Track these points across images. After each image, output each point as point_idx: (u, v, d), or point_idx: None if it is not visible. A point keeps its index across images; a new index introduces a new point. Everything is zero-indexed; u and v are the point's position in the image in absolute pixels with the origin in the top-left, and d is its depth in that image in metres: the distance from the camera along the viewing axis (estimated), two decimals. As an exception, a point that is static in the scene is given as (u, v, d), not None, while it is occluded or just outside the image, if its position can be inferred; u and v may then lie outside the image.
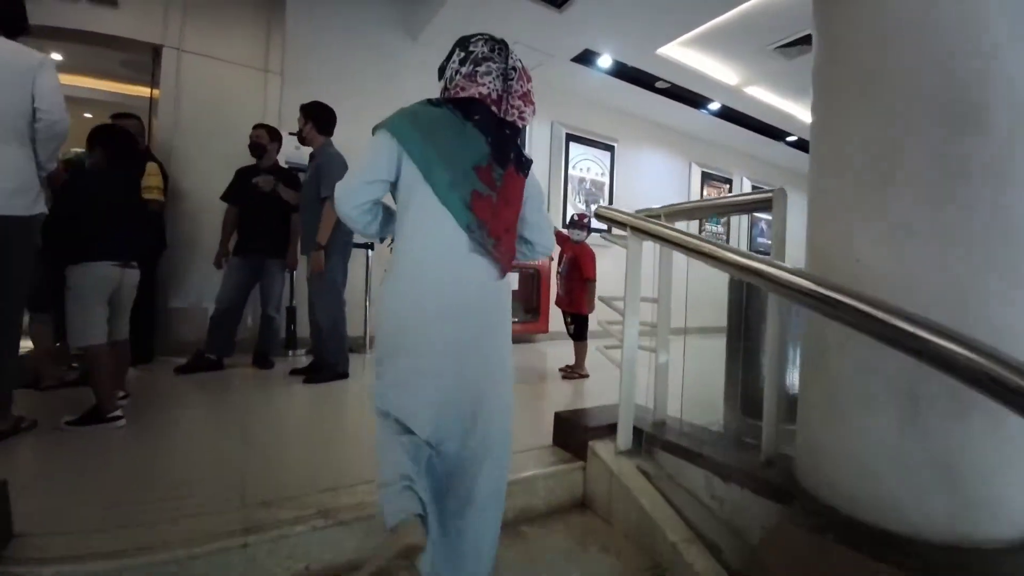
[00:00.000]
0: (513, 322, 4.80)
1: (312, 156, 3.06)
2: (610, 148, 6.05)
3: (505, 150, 1.16)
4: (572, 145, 5.67)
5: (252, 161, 3.40)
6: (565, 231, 3.69)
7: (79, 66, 4.75)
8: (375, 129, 1.17)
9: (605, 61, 4.86)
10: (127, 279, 2.43)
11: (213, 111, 3.81)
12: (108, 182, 2.33)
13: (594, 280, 3.46)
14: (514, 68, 1.21)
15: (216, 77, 3.86)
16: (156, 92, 3.77)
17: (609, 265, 6.73)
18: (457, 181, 1.11)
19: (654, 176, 6.61)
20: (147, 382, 2.95)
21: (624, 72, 5.08)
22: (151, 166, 3.17)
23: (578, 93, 5.65)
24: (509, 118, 1.18)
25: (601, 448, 1.74)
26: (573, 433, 1.86)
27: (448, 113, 1.15)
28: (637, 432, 1.77)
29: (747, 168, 7.87)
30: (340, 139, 3.56)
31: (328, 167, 2.87)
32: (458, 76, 1.20)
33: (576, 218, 3.72)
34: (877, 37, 1.18)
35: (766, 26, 4.35)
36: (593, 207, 5.86)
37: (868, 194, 1.18)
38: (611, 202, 6.04)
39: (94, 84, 4.81)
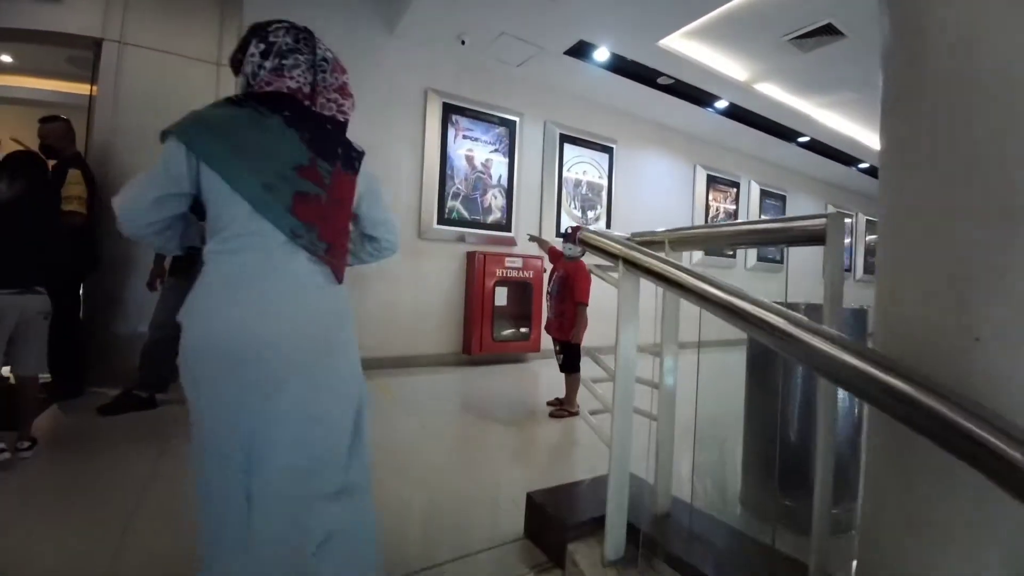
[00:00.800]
0: (503, 336, 4.36)
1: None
2: (608, 150, 5.61)
3: (328, 146, 1.08)
4: (567, 146, 5.23)
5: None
6: (560, 246, 3.21)
7: (28, 67, 4.34)
8: (163, 135, 1.00)
9: (602, 54, 4.42)
10: (30, 306, 2.15)
11: (157, 109, 3.37)
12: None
13: (587, 304, 2.99)
14: (325, 59, 1.14)
15: (161, 72, 3.43)
16: (95, 89, 3.35)
17: (609, 287, 6.21)
18: (273, 184, 0.98)
19: (656, 179, 6.17)
20: (64, 425, 2.53)
21: (623, 67, 4.64)
22: (73, 173, 2.75)
23: (572, 90, 5.21)
24: (327, 112, 1.12)
25: (583, 555, 1.30)
26: (548, 528, 1.42)
27: (252, 112, 1.02)
28: (632, 531, 1.33)
29: (755, 171, 7.42)
30: None
31: None
32: (262, 71, 1.07)
33: (571, 231, 3.27)
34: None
35: (779, 15, 3.91)
36: (591, 214, 5.43)
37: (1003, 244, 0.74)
38: (610, 208, 5.60)
39: (41, 84, 4.38)
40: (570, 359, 3.04)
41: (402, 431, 2.66)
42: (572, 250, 3.04)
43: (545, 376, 4.19)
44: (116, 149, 3.29)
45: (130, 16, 3.34)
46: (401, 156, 4.26)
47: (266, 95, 1.05)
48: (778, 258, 7.82)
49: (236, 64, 1.14)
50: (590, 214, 5.43)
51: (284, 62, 1.07)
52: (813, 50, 4.37)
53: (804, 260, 8.03)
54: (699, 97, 5.30)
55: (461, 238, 4.53)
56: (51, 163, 2.86)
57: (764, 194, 7.46)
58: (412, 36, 4.21)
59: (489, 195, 4.69)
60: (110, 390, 2.90)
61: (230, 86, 3.77)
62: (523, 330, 4.79)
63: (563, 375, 3.11)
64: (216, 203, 0.99)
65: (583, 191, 5.39)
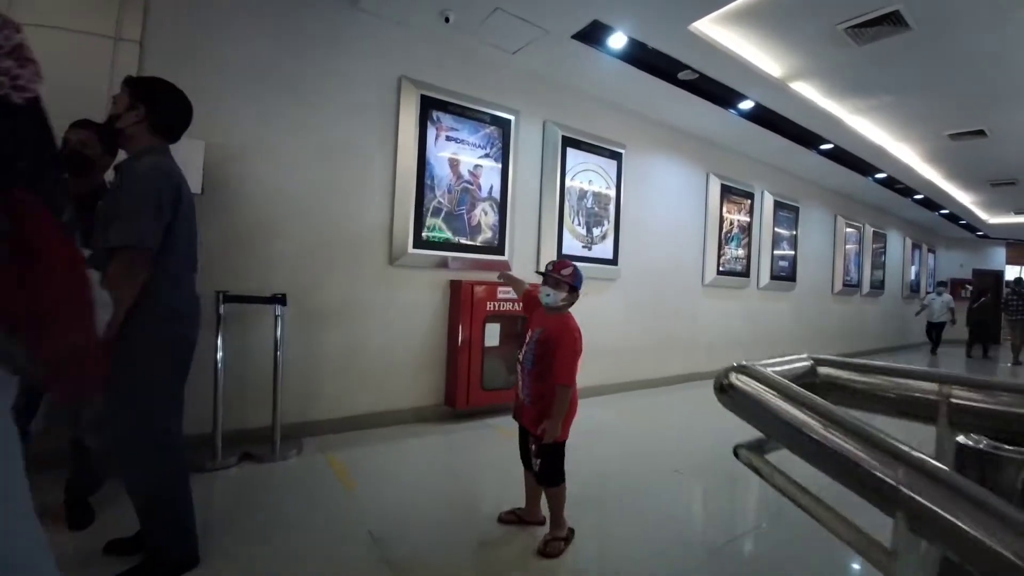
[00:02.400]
0: (495, 384, 3.40)
1: (118, 168, 1.71)
2: (617, 156, 4.80)
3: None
4: (570, 151, 4.40)
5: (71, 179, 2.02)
6: (541, 287, 2.04)
7: None
8: None
9: (618, 40, 3.61)
10: None
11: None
12: None
13: (572, 385, 1.94)
14: None
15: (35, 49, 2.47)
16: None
17: (611, 313, 5.23)
18: None
19: (667, 190, 5.40)
20: None
21: (641, 57, 3.84)
22: None
23: (578, 84, 4.39)
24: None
25: None
26: None
27: None
28: None
29: (769, 180, 6.73)
30: (238, 144, 2.23)
31: (130, 192, 1.55)
32: None
33: (551, 268, 2.06)
34: None
35: (840, -3, 3.17)
36: (596, 231, 4.61)
37: None
38: (618, 223, 4.80)
39: None
40: (552, 467, 1.96)
41: (358, 552, 1.77)
42: (552, 297, 1.99)
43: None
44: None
45: None
46: (367, 162, 3.36)
47: None
48: (792, 276, 7.15)
49: None
50: (596, 231, 4.62)
51: None
52: (869, 43, 3.65)
53: (812, 276, 7.33)
54: (722, 96, 4.54)
55: (443, 263, 3.66)
56: None
57: (778, 205, 6.78)
58: (383, 11, 3.32)
59: (478, 210, 3.83)
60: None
61: (127, 62, 2.73)
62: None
63: (541, 488, 2.04)
64: None
65: (588, 204, 4.57)
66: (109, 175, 2.00)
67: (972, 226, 11.66)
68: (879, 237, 9.63)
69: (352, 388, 3.33)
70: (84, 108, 2.43)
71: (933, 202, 9.20)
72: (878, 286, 9.64)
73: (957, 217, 10.64)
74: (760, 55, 3.99)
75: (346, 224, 3.28)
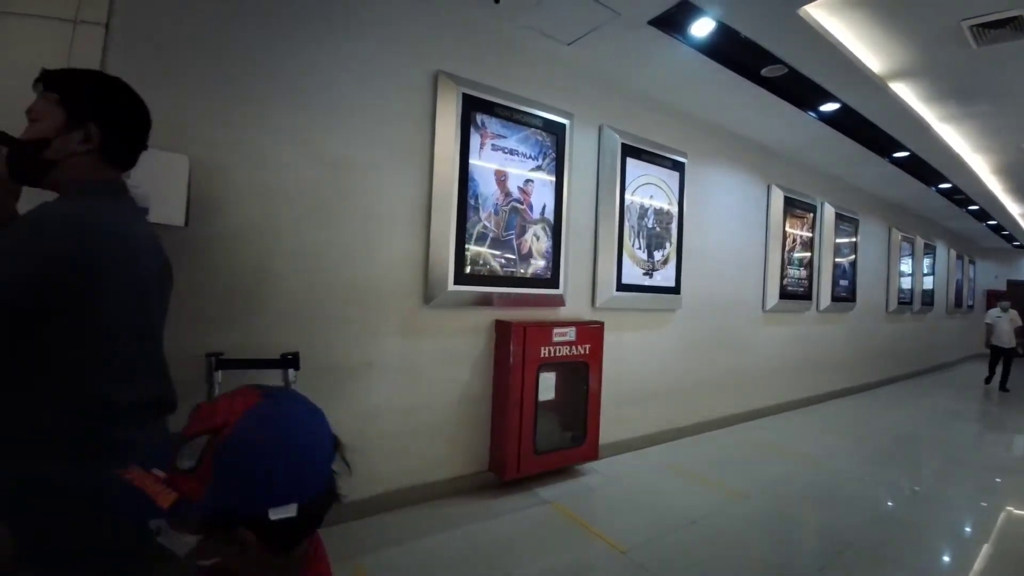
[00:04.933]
0: (550, 446, 2.74)
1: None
2: (679, 166, 4.13)
3: None
4: (629, 162, 3.72)
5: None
6: None
7: None
8: None
9: (702, 27, 2.93)
10: None
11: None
12: None
13: None
14: None
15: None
16: None
17: (667, 351, 4.47)
18: None
19: (727, 203, 4.72)
20: None
21: (725, 48, 3.17)
22: None
23: (637, 83, 3.72)
24: None
25: None
26: None
27: None
28: None
29: (830, 192, 6.05)
30: (228, 159, 1.58)
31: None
32: None
33: None
34: None
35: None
36: (658, 255, 3.93)
37: None
38: (680, 242, 4.12)
39: None
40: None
41: None
42: None
43: (613, 504, 2.69)
44: None
45: None
46: (395, 179, 2.69)
47: None
48: (851, 296, 6.47)
49: None
50: (657, 255, 3.94)
51: None
52: (988, 45, 3.06)
53: (868, 294, 6.64)
54: (805, 96, 3.87)
55: (487, 300, 2.98)
56: None
57: (839, 218, 6.10)
58: (419, -11, 2.66)
59: (529, 234, 3.15)
60: None
61: (95, 56, 1.94)
62: (574, 433, 3.27)
63: None
64: None
65: (649, 223, 3.89)
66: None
67: (1012, 236, 11.05)
68: (929, 249, 8.96)
69: (374, 460, 2.65)
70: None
71: (986, 213, 8.56)
72: (928, 302, 8.95)
73: (1001, 228, 10.03)
74: (863, 49, 3.32)
75: (367, 258, 2.60)
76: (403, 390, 2.74)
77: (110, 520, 0.82)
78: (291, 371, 2.17)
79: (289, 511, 0.60)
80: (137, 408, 1.04)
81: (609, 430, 3.49)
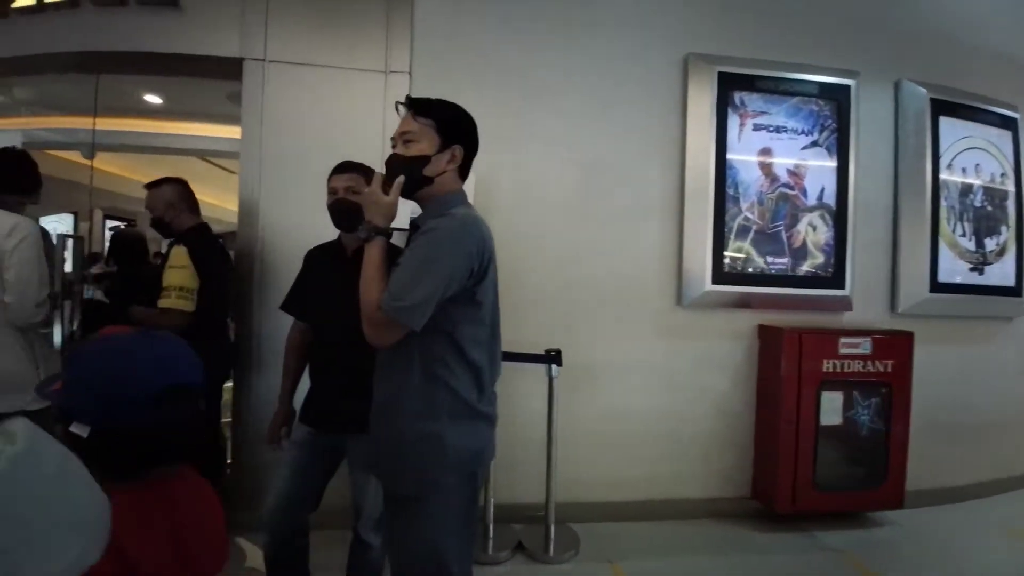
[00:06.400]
0: (834, 482, 2.35)
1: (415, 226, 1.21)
2: (1010, 124, 2.99)
3: None
4: (944, 122, 2.83)
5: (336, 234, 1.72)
6: None
7: (180, 109, 3.86)
8: None
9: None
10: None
11: (313, 141, 2.36)
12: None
13: None
14: None
15: (316, 88, 2.42)
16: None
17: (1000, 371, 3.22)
18: None
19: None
20: None
21: None
22: (174, 254, 1.78)
23: (947, 23, 2.82)
24: None
25: None
26: None
27: None
28: None
29: None
30: (487, 171, 1.70)
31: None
32: None
33: None
34: None
35: None
36: (990, 243, 2.90)
37: None
38: (1020, 224, 2.96)
39: (201, 130, 3.88)
40: None
41: None
42: None
43: (923, 570, 2.00)
44: (263, 204, 2.36)
45: (273, 29, 2.39)
46: (643, 174, 2.58)
47: None
48: None
49: None
50: (989, 243, 2.90)
51: None
52: None
53: None
54: None
55: (748, 302, 2.60)
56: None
57: None
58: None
59: (802, 224, 2.65)
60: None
61: (399, 93, 2.32)
62: (868, 471, 2.60)
63: None
64: None
65: (974, 201, 2.89)
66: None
67: None
68: None
69: (614, 468, 2.56)
70: (373, 145, 2.27)
71: None
72: None
73: None
74: None
75: (618, 257, 2.54)
76: (654, 394, 2.58)
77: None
78: (554, 367, 2.24)
79: (82, 430, 0.65)
80: (491, 383, 1.18)
81: (918, 472, 2.68)
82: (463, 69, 2.46)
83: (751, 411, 2.67)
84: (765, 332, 2.62)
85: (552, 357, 2.25)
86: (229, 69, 2.44)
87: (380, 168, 1.21)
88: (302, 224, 2.13)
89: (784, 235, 2.62)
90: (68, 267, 2.30)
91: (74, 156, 4.01)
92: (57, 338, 2.59)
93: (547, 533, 2.25)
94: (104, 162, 4.38)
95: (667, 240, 2.58)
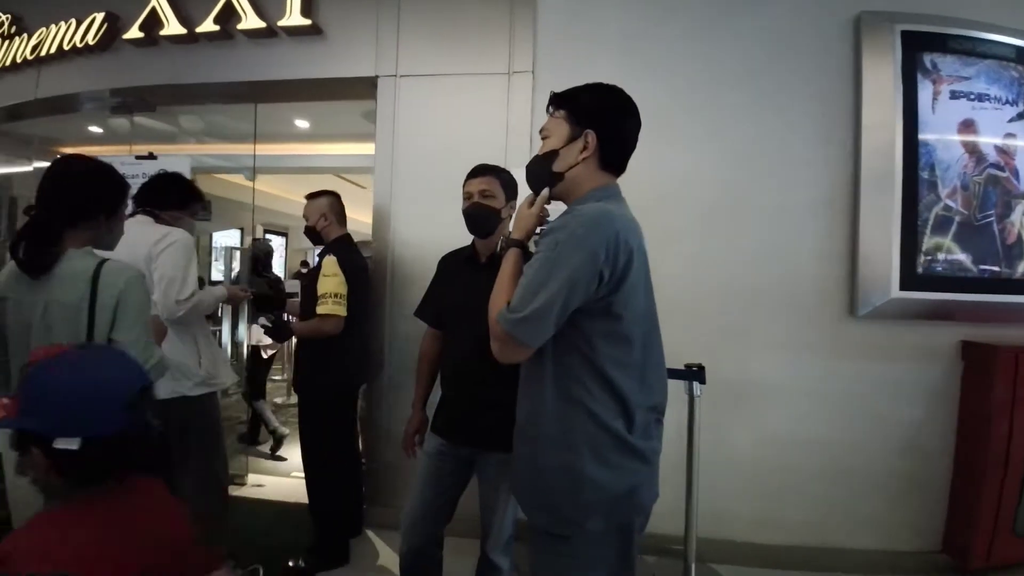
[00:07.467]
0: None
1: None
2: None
3: None
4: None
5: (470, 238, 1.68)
6: None
7: (326, 132, 4.15)
8: None
9: None
10: None
11: (440, 147, 2.39)
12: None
13: None
14: None
15: (443, 97, 2.45)
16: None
17: None
18: None
19: None
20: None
21: None
22: (326, 263, 1.89)
23: None
24: None
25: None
26: None
27: None
28: None
29: None
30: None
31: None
32: None
33: None
34: None
35: None
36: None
37: None
38: None
39: (343, 149, 4.11)
40: None
41: None
42: None
43: None
44: (396, 214, 2.45)
45: (404, 45, 2.48)
46: (806, 161, 2.21)
47: None
48: None
49: None
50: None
51: None
52: None
53: None
54: None
55: (947, 312, 2.10)
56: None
57: None
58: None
59: (1016, 215, 2.09)
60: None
61: (523, 94, 2.17)
62: None
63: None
64: None
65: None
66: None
67: None
68: None
69: (776, 501, 2.20)
70: (497, 147, 2.26)
71: None
72: None
73: None
74: None
75: (773, 259, 2.20)
76: (819, 422, 2.19)
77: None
78: (696, 384, 1.98)
79: (71, 443, 0.65)
80: (647, 411, 1.00)
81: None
82: (586, 63, 2.33)
83: (948, 448, 2.15)
84: (971, 350, 2.08)
85: (695, 373, 2.00)
86: (364, 89, 2.59)
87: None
88: (433, 230, 2.16)
89: (995, 227, 2.08)
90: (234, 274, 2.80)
91: (238, 179, 4.68)
92: (225, 336, 2.97)
93: (686, 571, 2.00)
94: (261, 183, 5.10)
95: (836, 238, 2.17)
